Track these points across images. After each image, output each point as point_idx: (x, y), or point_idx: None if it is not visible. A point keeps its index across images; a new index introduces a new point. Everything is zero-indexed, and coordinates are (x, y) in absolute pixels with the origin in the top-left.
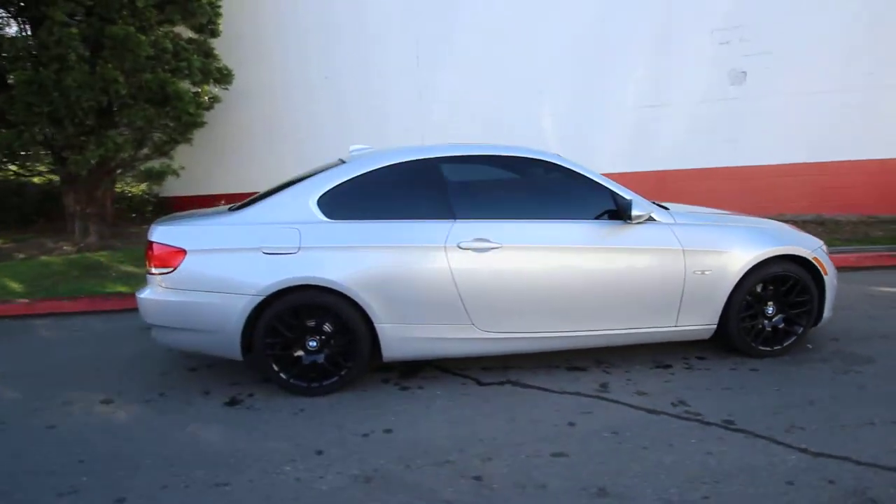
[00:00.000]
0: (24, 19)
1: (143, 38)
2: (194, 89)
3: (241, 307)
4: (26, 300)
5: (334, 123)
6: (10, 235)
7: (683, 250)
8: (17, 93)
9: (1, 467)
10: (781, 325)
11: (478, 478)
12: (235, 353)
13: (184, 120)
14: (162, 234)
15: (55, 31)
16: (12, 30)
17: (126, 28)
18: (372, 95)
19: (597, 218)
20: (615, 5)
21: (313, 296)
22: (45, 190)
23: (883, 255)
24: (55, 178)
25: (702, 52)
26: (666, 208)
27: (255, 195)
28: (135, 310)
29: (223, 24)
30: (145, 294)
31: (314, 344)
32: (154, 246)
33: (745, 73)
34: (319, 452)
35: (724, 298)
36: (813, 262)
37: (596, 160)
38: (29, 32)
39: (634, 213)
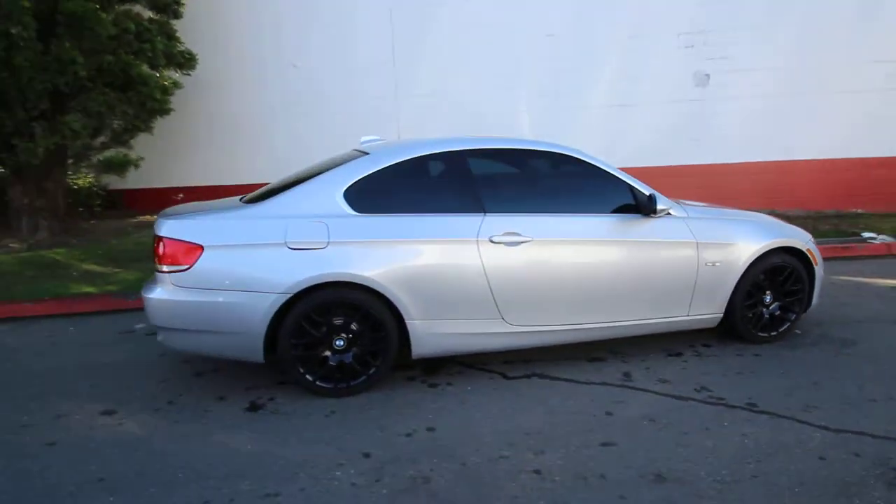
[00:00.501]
0: None
1: (105, 16)
2: (159, 74)
3: (266, 306)
4: None
5: (305, 115)
6: None
7: (697, 243)
8: None
9: (9, 492)
10: (777, 313)
11: (537, 471)
12: (257, 355)
13: (149, 106)
14: (174, 228)
15: (3, 5)
16: None
17: (85, 4)
18: (346, 87)
19: (614, 212)
20: (590, 6)
21: (343, 293)
22: None
23: (836, 247)
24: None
25: (669, 54)
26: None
27: (266, 187)
28: (111, 312)
29: (186, 5)
30: (155, 294)
31: (341, 343)
32: (165, 241)
33: (708, 75)
34: (367, 455)
35: (731, 288)
36: (806, 253)
37: None
38: None
39: (660, 206)
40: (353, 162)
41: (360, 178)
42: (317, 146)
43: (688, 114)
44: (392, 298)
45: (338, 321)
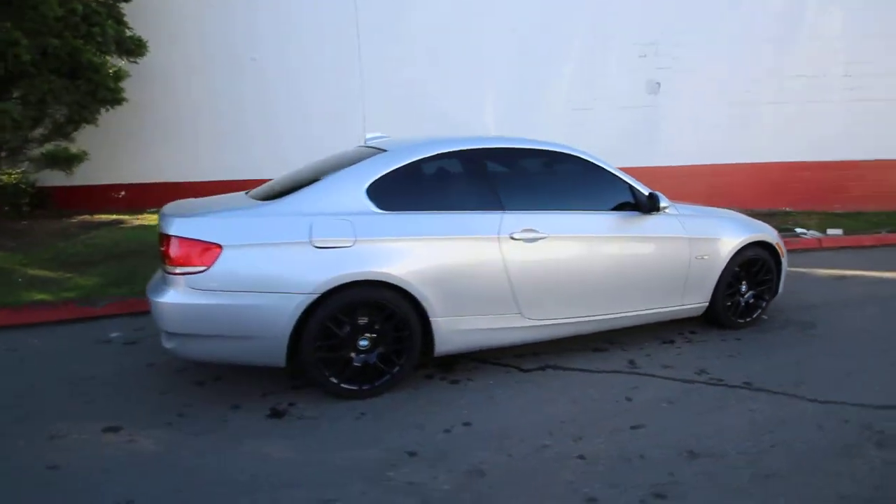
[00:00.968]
0: None
1: None
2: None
3: (291, 308)
4: None
5: (261, 110)
6: None
7: (689, 238)
8: None
9: None
10: (752, 301)
11: (581, 457)
12: (279, 359)
13: (100, 96)
14: (188, 227)
15: None
16: None
17: None
18: (308, 84)
19: (614, 209)
20: (553, 14)
21: (370, 292)
22: None
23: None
24: None
25: (624, 62)
26: None
27: (271, 184)
28: (76, 321)
29: None
30: (168, 298)
31: (365, 343)
32: (177, 241)
33: (659, 83)
34: (413, 454)
35: (716, 279)
36: (776, 246)
37: None
38: None
39: (662, 204)
40: (372, 159)
41: (382, 175)
42: (271, 142)
43: (641, 119)
44: (418, 296)
45: (362, 321)
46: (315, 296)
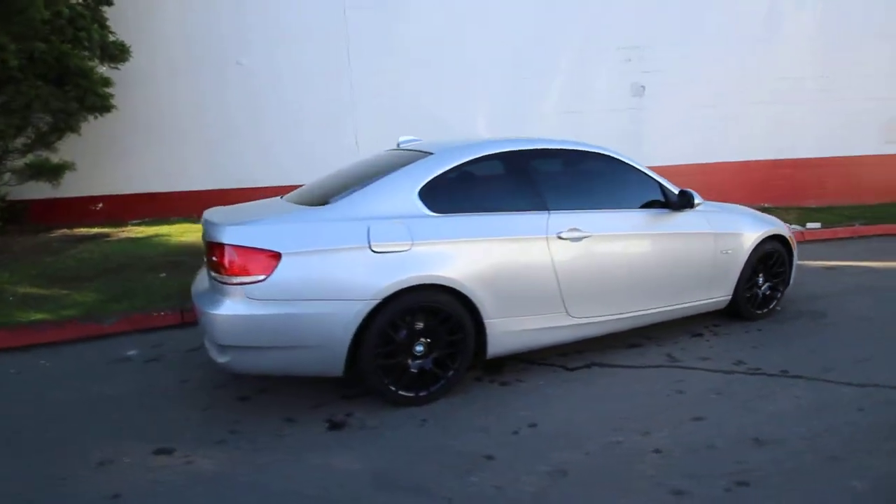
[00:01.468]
0: None
1: None
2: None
3: (352, 314)
4: None
5: (249, 117)
6: None
7: (714, 233)
8: None
9: None
10: (768, 293)
11: (657, 451)
12: (337, 368)
13: (88, 102)
14: (244, 234)
15: None
16: None
17: None
18: (296, 88)
19: (643, 206)
20: (543, 23)
21: (427, 295)
22: None
23: None
24: None
25: (610, 67)
26: None
27: (307, 188)
28: (83, 340)
29: None
30: (225, 310)
31: (421, 349)
32: (233, 250)
33: (643, 87)
34: (490, 457)
35: (738, 273)
36: (788, 239)
37: None
38: None
39: (697, 201)
40: (421, 161)
41: (433, 177)
42: (261, 150)
43: (628, 121)
44: (473, 299)
45: (418, 326)
46: (375, 302)
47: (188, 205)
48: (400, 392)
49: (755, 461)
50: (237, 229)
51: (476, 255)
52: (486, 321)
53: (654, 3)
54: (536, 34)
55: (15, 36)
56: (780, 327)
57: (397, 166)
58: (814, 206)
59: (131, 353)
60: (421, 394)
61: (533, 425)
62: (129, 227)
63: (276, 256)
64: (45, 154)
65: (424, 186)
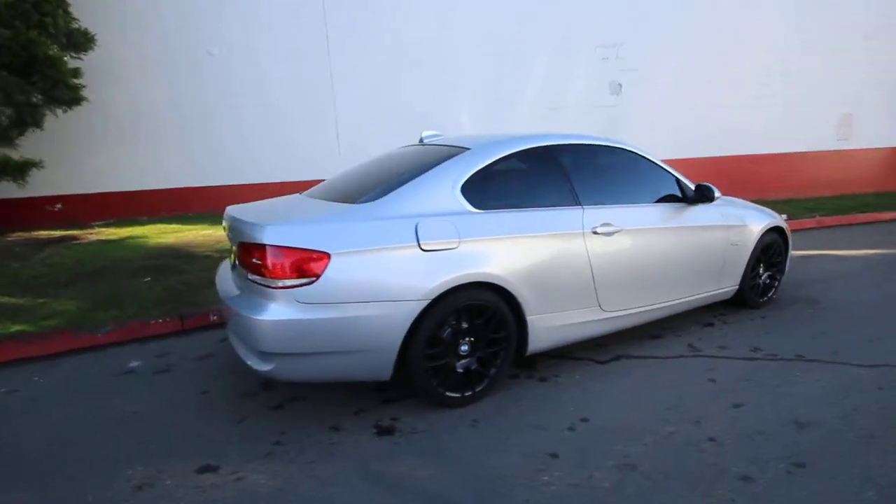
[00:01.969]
0: None
1: None
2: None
3: (404, 315)
4: None
5: (224, 110)
6: None
7: (726, 226)
8: None
9: None
10: (767, 281)
11: (712, 439)
12: (386, 372)
13: (57, 94)
14: (289, 234)
15: None
16: None
17: None
18: (274, 81)
19: (660, 200)
20: (525, 18)
21: (473, 294)
22: None
23: None
24: None
25: (589, 65)
26: None
27: (326, 184)
28: (74, 353)
29: None
30: (270, 315)
31: (466, 348)
32: (278, 251)
33: (621, 84)
34: (554, 455)
35: (745, 263)
36: (785, 231)
37: None
38: None
39: (716, 195)
40: (460, 157)
41: (473, 173)
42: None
43: (606, 117)
44: (517, 295)
45: (463, 325)
46: (426, 301)
47: (158, 204)
48: (447, 393)
49: (803, 443)
50: (282, 229)
51: (519, 251)
52: (528, 317)
53: (629, 5)
54: (516, 31)
55: None
56: (781, 314)
57: (434, 162)
58: (777, 199)
59: (134, 364)
60: (466, 394)
61: (585, 420)
62: (96, 229)
63: (325, 257)
64: (1, 151)
65: (466, 182)
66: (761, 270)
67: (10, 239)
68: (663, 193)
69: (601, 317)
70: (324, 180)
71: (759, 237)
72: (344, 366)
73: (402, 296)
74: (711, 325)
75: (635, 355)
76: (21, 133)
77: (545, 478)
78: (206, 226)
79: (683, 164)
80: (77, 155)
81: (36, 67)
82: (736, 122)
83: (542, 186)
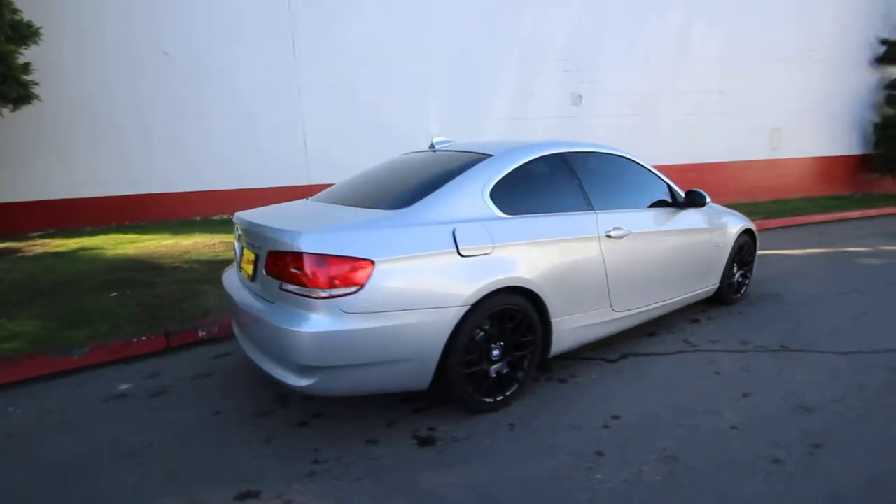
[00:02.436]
0: None
1: None
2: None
3: (446, 322)
4: None
5: (171, 116)
6: None
7: (710, 229)
8: None
9: None
10: (740, 279)
11: (734, 427)
12: (425, 381)
13: (7, 91)
14: (332, 242)
15: None
16: None
17: None
18: (235, 83)
19: (652, 205)
20: (490, 31)
21: (506, 298)
22: None
23: None
24: None
25: (552, 77)
26: None
27: (333, 190)
28: (45, 379)
29: None
30: (314, 326)
31: (497, 353)
32: (322, 259)
33: (581, 96)
34: (600, 453)
35: (725, 263)
36: (755, 232)
37: None
38: None
39: (707, 200)
40: (486, 162)
41: (499, 178)
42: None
43: (567, 127)
44: (544, 298)
45: (495, 329)
46: (466, 307)
47: (98, 213)
48: (483, 399)
49: (814, 425)
50: (324, 236)
51: (545, 255)
52: (553, 320)
53: (588, 21)
54: (484, 43)
55: None
56: (755, 309)
57: (460, 168)
58: (721, 204)
59: (124, 387)
60: (498, 398)
61: (616, 417)
62: (38, 241)
63: (370, 265)
64: None
65: (494, 188)
66: (735, 270)
67: None
68: (657, 198)
69: (613, 317)
70: (291, 186)
71: (735, 238)
72: (385, 377)
73: (445, 302)
74: (698, 321)
75: (640, 353)
76: None
77: (598, 476)
78: (166, 235)
79: None
80: (10, 160)
81: None
82: (683, 133)
83: (559, 192)
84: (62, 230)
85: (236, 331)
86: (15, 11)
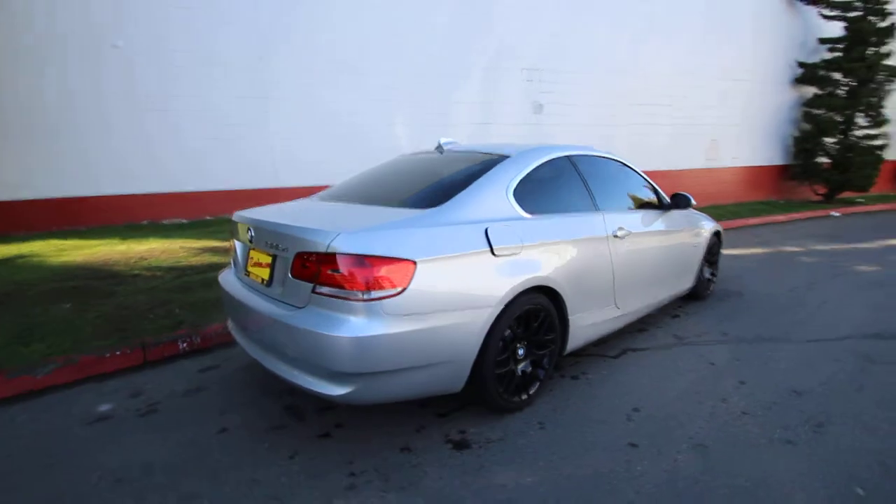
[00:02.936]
0: None
1: None
2: None
3: (482, 322)
4: None
5: (127, 113)
6: None
7: (690, 230)
8: None
9: None
10: (709, 277)
11: (744, 412)
12: (459, 383)
13: None
14: (371, 242)
15: None
16: None
17: None
18: (196, 82)
19: (640, 207)
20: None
21: (532, 298)
22: None
23: None
24: None
25: (515, 86)
26: None
27: (336, 189)
28: (6, 402)
29: None
30: (354, 331)
31: (522, 352)
32: (363, 259)
33: (542, 105)
34: (633, 445)
35: (699, 262)
36: (721, 234)
37: None
38: None
39: (693, 203)
40: (505, 163)
41: (520, 178)
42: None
43: (529, 134)
44: (564, 297)
45: (520, 329)
46: (501, 307)
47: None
48: (512, 399)
49: (810, 407)
50: (362, 236)
51: (564, 254)
52: (570, 317)
53: (550, 34)
54: (451, 50)
55: None
56: (723, 304)
57: (481, 168)
58: None
59: (105, 408)
60: (523, 397)
61: (637, 410)
62: None
63: (412, 265)
64: None
65: (515, 188)
66: (705, 267)
67: None
68: (646, 200)
69: (616, 315)
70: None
71: (707, 239)
72: (424, 381)
73: (480, 302)
74: (678, 316)
75: (637, 348)
76: None
77: (638, 468)
78: (115, 240)
79: None
80: None
81: None
82: (635, 141)
83: (570, 193)
84: None
85: (241, 339)
86: None
